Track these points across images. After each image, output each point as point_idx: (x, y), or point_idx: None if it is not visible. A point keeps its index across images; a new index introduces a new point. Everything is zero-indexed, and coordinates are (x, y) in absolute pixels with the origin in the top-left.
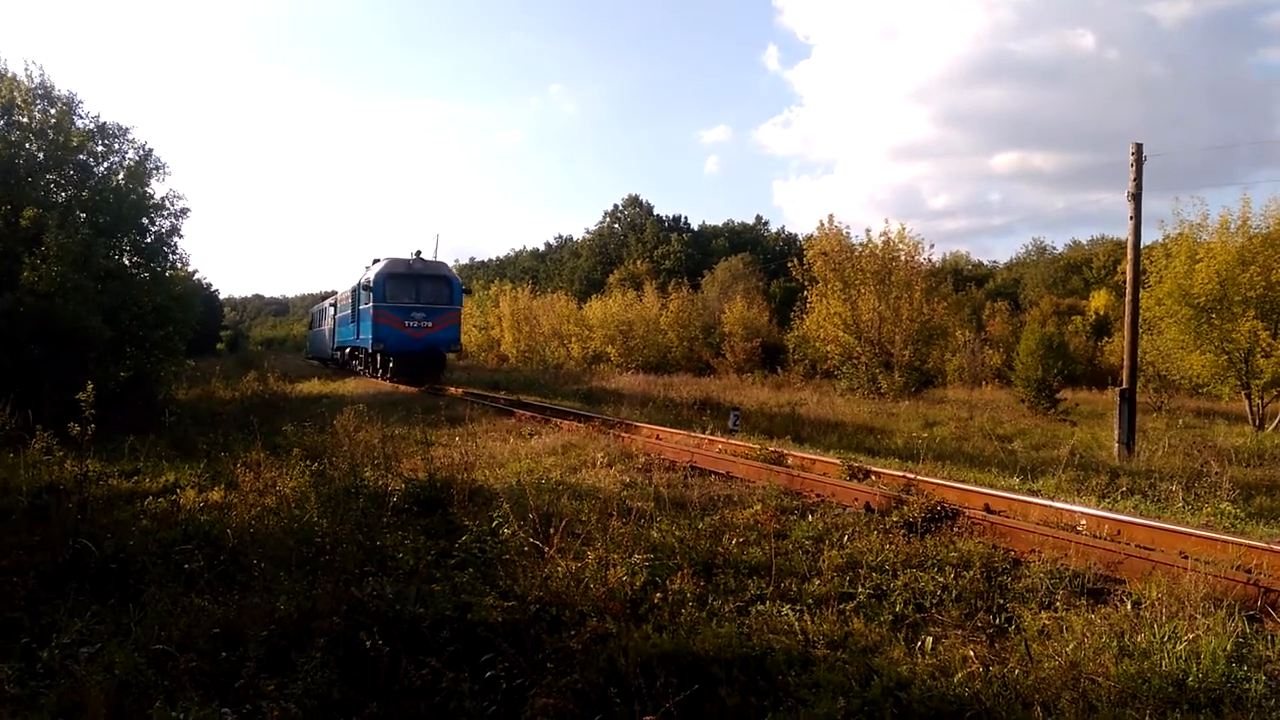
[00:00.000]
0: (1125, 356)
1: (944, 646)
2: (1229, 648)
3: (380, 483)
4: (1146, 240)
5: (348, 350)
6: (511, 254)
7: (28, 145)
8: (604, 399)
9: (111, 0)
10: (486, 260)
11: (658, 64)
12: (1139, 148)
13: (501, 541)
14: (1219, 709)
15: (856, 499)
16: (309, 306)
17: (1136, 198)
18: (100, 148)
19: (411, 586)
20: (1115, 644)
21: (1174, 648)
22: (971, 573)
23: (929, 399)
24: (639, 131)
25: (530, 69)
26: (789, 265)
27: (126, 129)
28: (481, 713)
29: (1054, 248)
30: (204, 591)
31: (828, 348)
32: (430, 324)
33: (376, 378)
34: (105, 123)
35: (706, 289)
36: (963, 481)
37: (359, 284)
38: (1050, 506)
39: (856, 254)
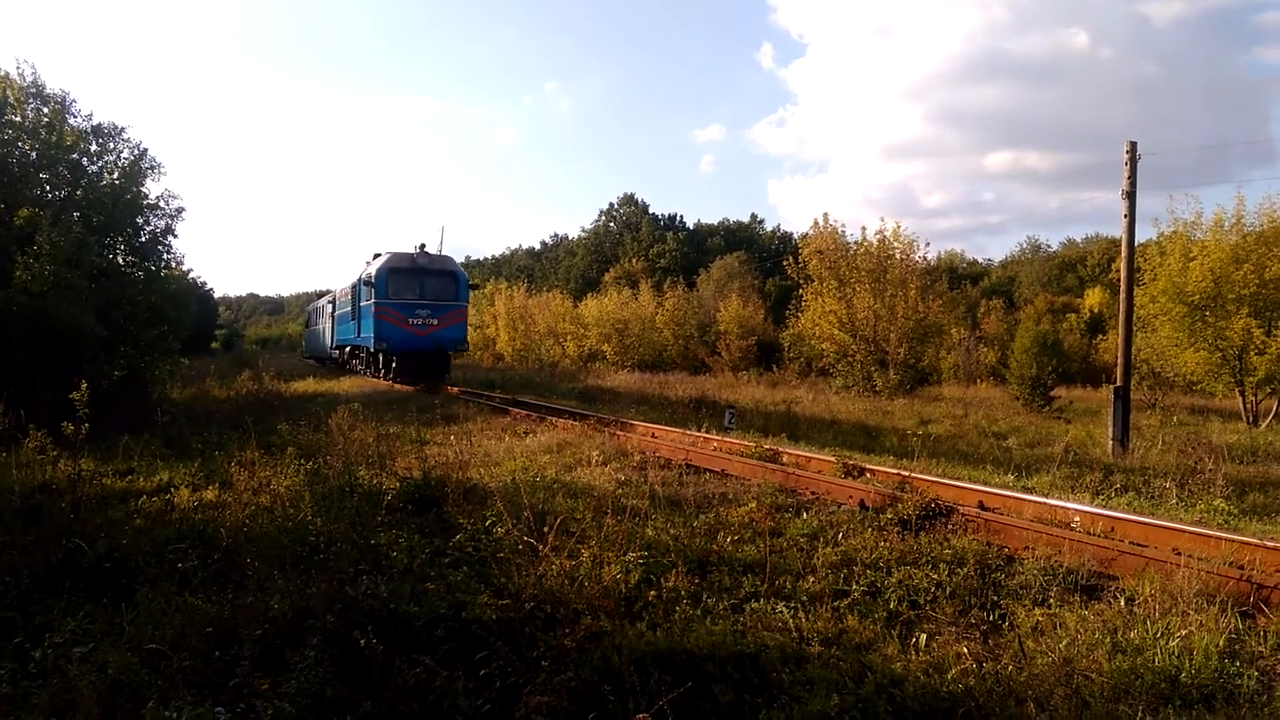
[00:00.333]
0: (1120, 354)
1: (938, 643)
2: (1222, 644)
3: (375, 481)
4: (1141, 238)
5: (348, 349)
6: (507, 253)
7: (20, 144)
8: (599, 397)
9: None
10: (482, 259)
11: (652, 62)
12: (1133, 146)
13: (496, 540)
14: (1211, 705)
15: (851, 496)
16: (304, 305)
17: (1131, 196)
18: (94, 147)
19: (406, 585)
20: (1109, 640)
21: (1167, 644)
22: (965, 570)
23: (924, 397)
24: (634, 130)
25: (525, 67)
26: (784, 264)
27: (121, 128)
28: (475, 711)
29: (1048, 246)
30: (198, 591)
31: (823, 346)
32: (436, 321)
33: (377, 378)
34: (100, 123)
35: (702, 287)
36: (957, 479)
37: (359, 279)
38: (1044, 503)
39: (851, 252)
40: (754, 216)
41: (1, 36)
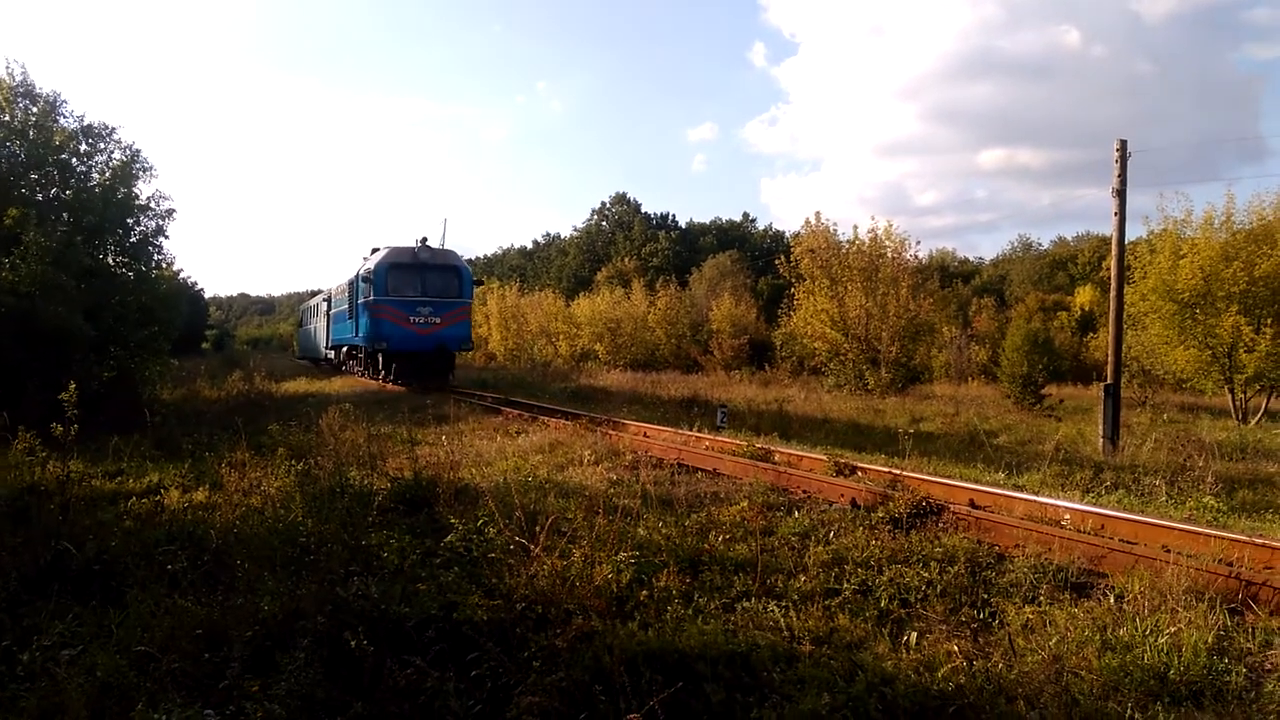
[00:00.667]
0: (1110, 352)
1: (928, 642)
2: (1210, 640)
3: (366, 482)
4: (1131, 236)
5: (344, 349)
6: (499, 252)
7: (9, 145)
8: (592, 396)
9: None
10: (474, 258)
11: (644, 61)
12: (1123, 144)
13: (487, 540)
14: (1200, 701)
15: (843, 495)
16: (296, 305)
17: (1121, 194)
18: (84, 147)
19: (397, 586)
20: (1098, 638)
21: (1156, 641)
22: (956, 568)
23: (916, 395)
24: (626, 129)
25: (516, 66)
26: (776, 262)
27: (112, 129)
28: (467, 712)
29: (1039, 244)
30: (187, 592)
31: (815, 344)
32: (438, 320)
33: (376, 379)
34: (90, 123)
35: (694, 286)
36: (948, 477)
37: (357, 276)
38: (1035, 501)
39: (843, 251)
40: (746, 215)
41: None
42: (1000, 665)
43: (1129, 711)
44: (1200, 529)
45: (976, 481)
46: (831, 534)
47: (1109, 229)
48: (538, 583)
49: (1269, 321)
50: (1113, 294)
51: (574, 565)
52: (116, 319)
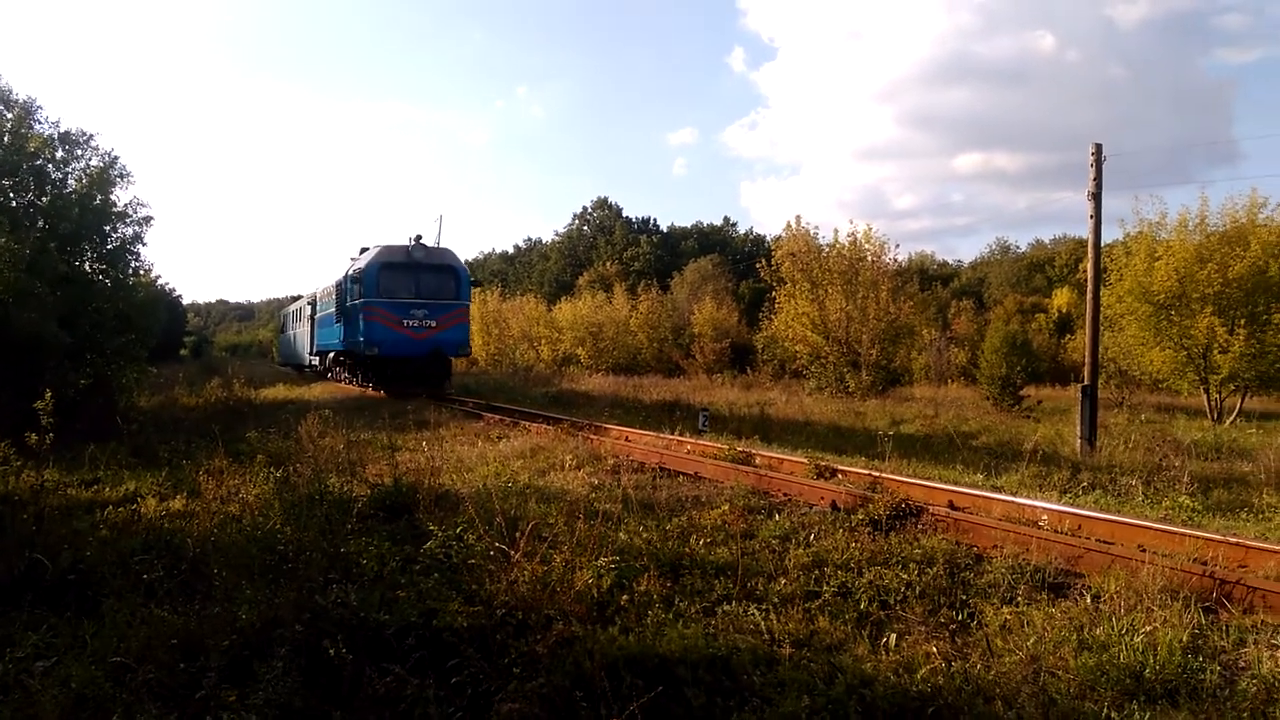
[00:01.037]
0: (1087, 353)
1: (908, 643)
2: (1185, 639)
3: (345, 489)
4: (1107, 239)
5: (330, 355)
6: (480, 257)
7: None
8: (574, 401)
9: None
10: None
11: (624, 66)
12: (1099, 148)
13: (467, 546)
14: (1175, 700)
15: (823, 497)
16: (275, 311)
17: (1096, 197)
18: (61, 154)
19: (376, 593)
20: (1075, 637)
21: (1132, 640)
22: (935, 569)
23: (896, 397)
24: (607, 133)
25: (495, 71)
26: (757, 266)
27: (89, 135)
28: (447, 719)
29: (1017, 247)
30: (164, 602)
31: (796, 348)
32: (434, 323)
33: (365, 386)
34: (67, 130)
35: (676, 290)
36: (927, 479)
37: (345, 276)
38: (1013, 502)
39: (824, 255)
40: (727, 219)
41: None
42: (978, 666)
43: (1105, 710)
44: (1176, 528)
45: (955, 483)
46: (812, 536)
47: (1085, 232)
48: (518, 589)
49: (1242, 322)
50: (1089, 296)
51: (555, 571)
52: (93, 326)
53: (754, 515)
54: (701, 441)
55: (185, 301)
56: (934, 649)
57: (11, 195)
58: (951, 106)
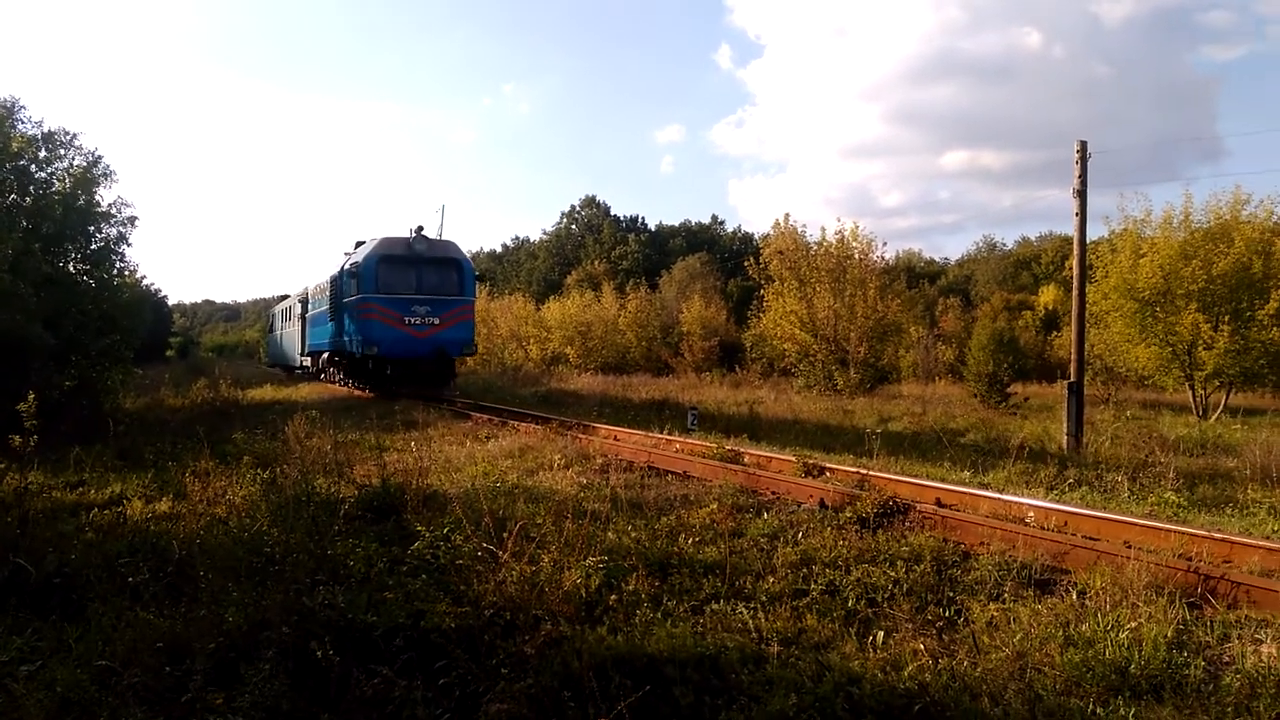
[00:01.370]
0: (1073, 350)
1: (895, 640)
2: (1170, 635)
3: (332, 490)
4: (1092, 236)
5: (323, 356)
6: (468, 255)
7: None
8: (562, 400)
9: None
10: None
11: (610, 64)
12: (1083, 145)
13: (455, 547)
14: (1160, 695)
15: (811, 496)
16: (262, 311)
17: (1082, 194)
18: (44, 154)
19: (363, 594)
20: (1061, 634)
21: (1117, 636)
22: (922, 566)
23: (884, 395)
24: (594, 131)
25: (482, 69)
26: (746, 264)
27: (73, 135)
28: None
29: (1003, 244)
30: (150, 605)
31: (785, 346)
32: (437, 320)
33: (355, 387)
34: (51, 129)
35: (664, 289)
36: (915, 476)
37: (341, 271)
38: (1000, 499)
39: (811, 253)
40: (715, 218)
41: None
42: (965, 663)
43: (1091, 706)
44: (1161, 524)
45: (943, 480)
46: (800, 535)
47: (1071, 229)
48: (506, 589)
49: (1226, 319)
50: (1075, 293)
51: (543, 571)
52: (77, 327)
53: (742, 514)
54: (690, 440)
55: (171, 302)
56: (921, 646)
57: None
58: (938, 103)
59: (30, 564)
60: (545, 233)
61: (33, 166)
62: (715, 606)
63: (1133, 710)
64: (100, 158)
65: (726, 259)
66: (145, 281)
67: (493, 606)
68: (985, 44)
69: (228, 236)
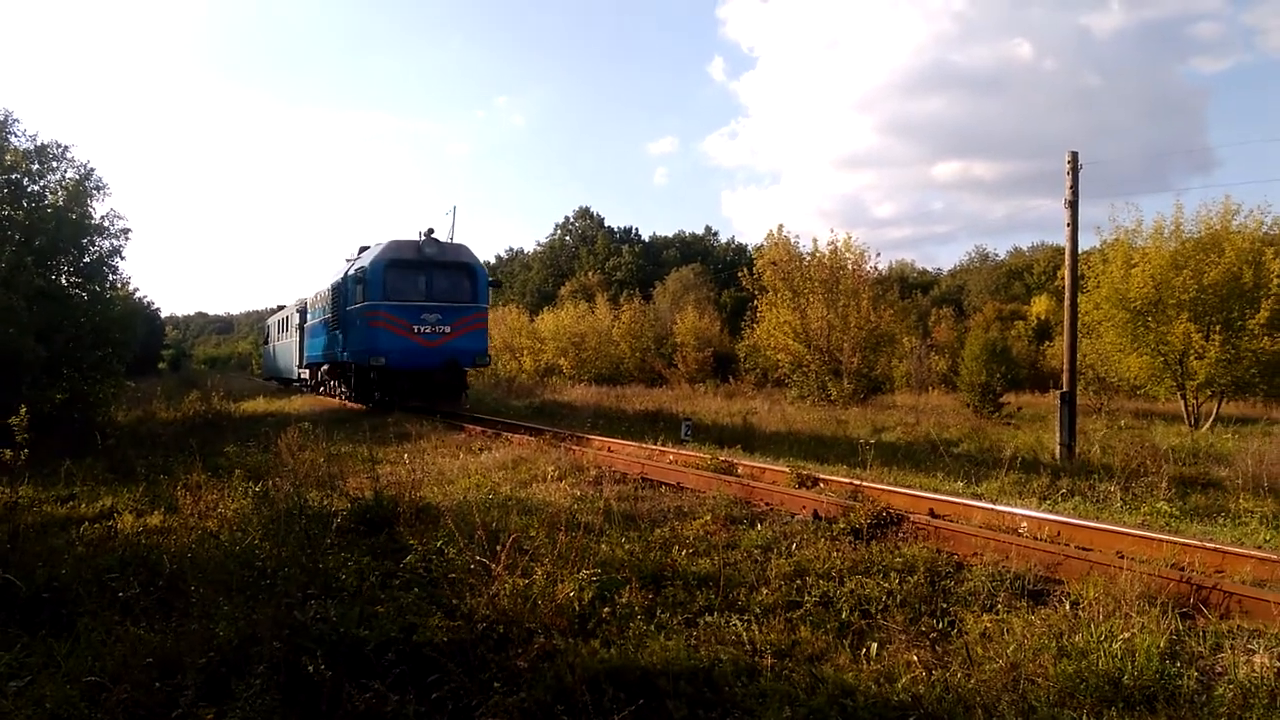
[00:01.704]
0: (1065, 360)
1: (889, 652)
2: (1163, 645)
3: (325, 503)
4: (1084, 246)
5: (323, 368)
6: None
7: None
8: (556, 412)
9: (44, 15)
10: None
11: (603, 76)
12: (1075, 156)
13: (448, 560)
14: (1153, 706)
15: (805, 507)
16: (255, 323)
17: (1073, 205)
18: (37, 166)
19: (356, 608)
20: (1054, 644)
21: (1110, 646)
22: (916, 577)
23: (877, 405)
24: (588, 143)
25: (476, 81)
26: (739, 275)
27: (66, 148)
28: None
29: (996, 254)
30: (140, 619)
31: (778, 356)
32: (449, 329)
33: (364, 403)
34: (44, 142)
35: (658, 300)
36: (908, 486)
37: (345, 277)
38: (993, 510)
39: (805, 263)
40: (708, 229)
41: None
42: (959, 674)
43: (1084, 717)
44: (1153, 534)
45: (936, 490)
46: (794, 546)
47: (1063, 239)
48: (499, 602)
49: (1218, 328)
50: (1067, 303)
51: (536, 584)
52: (70, 341)
53: (736, 525)
54: (684, 451)
55: (163, 314)
56: (915, 658)
57: None
58: (930, 115)
59: (20, 578)
60: (539, 244)
61: (26, 180)
62: (709, 619)
63: None
64: (93, 170)
65: (720, 270)
66: (138, 294)
67: (485, 620)
68: (977, 56)
69: (221, 248)
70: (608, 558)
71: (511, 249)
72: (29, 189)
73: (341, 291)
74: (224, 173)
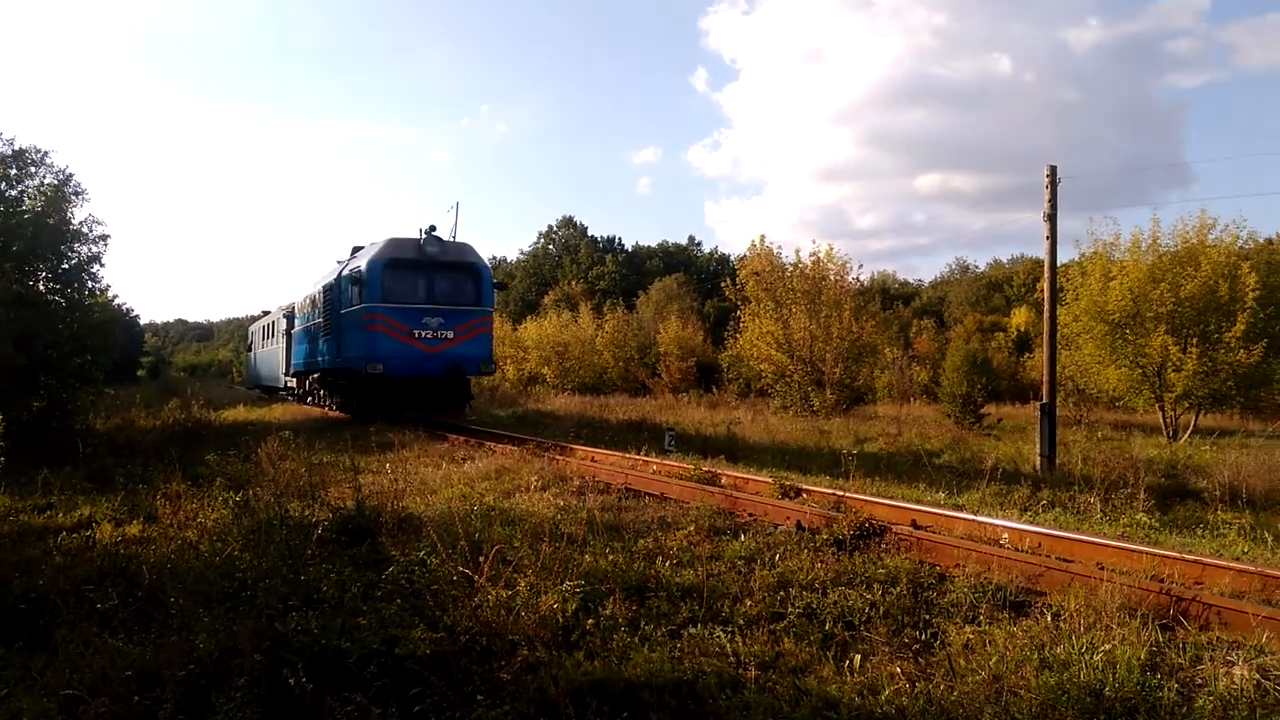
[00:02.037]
0: (1045, 372)
1: (872, 664)
2: (1143, 657)
3: (306, 513)
4: (1063, 259)
5: (312, 376)
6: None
7: None
8: (539, 421)
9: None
10: None
11: (588, 85)
12: (1053, 170)
13: (431, 571)
14: (1134, 718)
15: (788, 517)
16: (235, 330)
17: (1052, 218)
18: (14, 171)
19: (337, 620)
20: (1036, 656)
21: (1091, 658)
22: (899, 589)
23: (860, 415)
24: (571, 152)
25: (460, 89)
26: (722, 285)
27: (45, 153)
28: None
29: (976, 266)
30: (119, 631)
31: (761, 366)
32: (451, 334)
33: (358, 414)
34: (22, 147)
35: (641, 309)
36: (891, 497)
37: (339, 278)
38: (975, 521)
39: (787, 274)
40: (692, 239)
41: None
42: (942, 686)
43: None
44: (1133, 546)
45: (918, 501)
46: (777, 557)
47: (1042, 252)
48: (482, 614)
49: (1195, 341)
50: (1046, 315)
51: (519, 595)
52: (48, 347)
53: (720, 536)
54: (668, 462)
55: (142, 321)
56: (898, 669)
57: None
58: (911, 127)
59: None
60: (523, 253)
61: (3, 184)
62: (693, 630)
63: None
64: (71, 176)
65: (703, 280)
66: (116, 300)
67: (468, 632)
68: (957, 69)
69: (202, 255)
70: (591, 569)
71: (494, 257)
72: (6, 194)
73: (334, 294)
74: (205, 180)
